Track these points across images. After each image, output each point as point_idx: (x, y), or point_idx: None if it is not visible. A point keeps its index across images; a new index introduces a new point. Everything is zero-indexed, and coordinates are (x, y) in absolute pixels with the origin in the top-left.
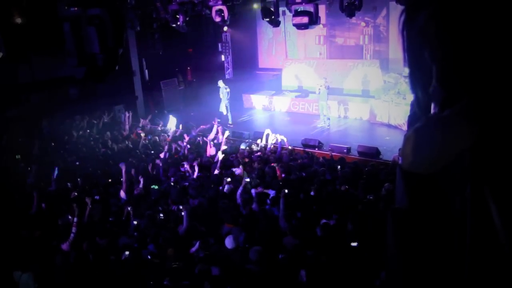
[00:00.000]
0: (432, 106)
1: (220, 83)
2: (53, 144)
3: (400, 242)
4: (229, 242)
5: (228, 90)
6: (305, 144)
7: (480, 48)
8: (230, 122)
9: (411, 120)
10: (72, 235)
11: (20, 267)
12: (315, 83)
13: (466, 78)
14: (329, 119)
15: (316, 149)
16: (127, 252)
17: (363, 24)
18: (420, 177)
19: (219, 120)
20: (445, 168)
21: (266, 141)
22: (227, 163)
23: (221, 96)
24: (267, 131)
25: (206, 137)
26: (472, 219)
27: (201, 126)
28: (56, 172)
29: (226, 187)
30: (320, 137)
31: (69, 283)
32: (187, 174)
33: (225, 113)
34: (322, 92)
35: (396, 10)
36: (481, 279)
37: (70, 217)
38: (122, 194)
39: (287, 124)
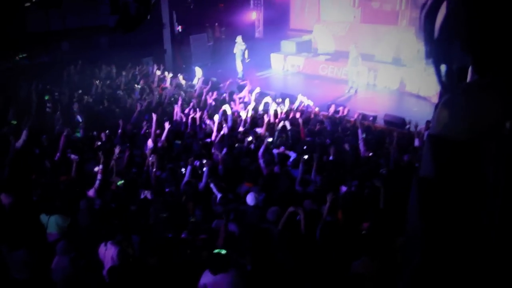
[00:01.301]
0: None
1: (238, 39)
2: (80, 91)
3: (425, 211)
4: (250, 199)
5: (243, 47)
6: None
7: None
8: (240, 76)
9: (441, 92)
10: (97, 182)
11: (47, 210)
12: (347, 47)
13: (500, 54)
14: (355, 88)
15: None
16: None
17: None
18: (450, 145)
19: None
20: (482, 137)
21: (293, 104)
22: (253, 122)
23: (235, 51)
24: (300, 96)
25: (234, 94)
26: (506, 186)
27: (228, 82)
28: (80, 120)
29: (249, 145)
30: (347, 103)
31: (92, 226)
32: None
33: (240, 69)
34: (353, 57)
35: None
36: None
37: (96, 164)
38: (150, 143)
39: (314, 87)
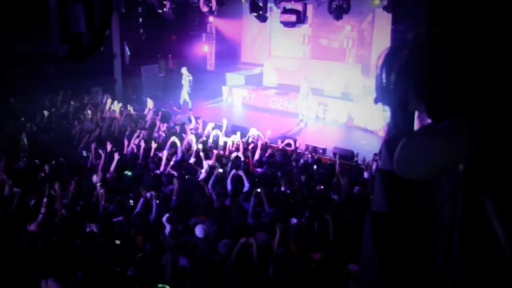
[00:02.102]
0: (416, 119)
1: (184, 70)
2: (23, 120)
3: (378, 244)
4: (199, 231)
5: (190, 78)
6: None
7: (469, 70)
8: (190, 107)
9: (390, 129)
10: (41, 215)
11: None
12: (296, 81)
13: (461, 97)
14: (305, 121)
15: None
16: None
17: (348, 27)
18: (402, 181)
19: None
20: (439, 177)
21: (244, 136)
22: (203, 153)
23: (183, 82)
24: (253, 130)
25: (186, 125)
26: (462, 226)
27: (178, 116)
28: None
29: (200, 177)
30: (297, 136)
31: (34, 262)
32: (161, 162)
33: (187, 99)
34: (303, 92)
35: (381, 17)
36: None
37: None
38: (97, 175)
39: (264, 120)
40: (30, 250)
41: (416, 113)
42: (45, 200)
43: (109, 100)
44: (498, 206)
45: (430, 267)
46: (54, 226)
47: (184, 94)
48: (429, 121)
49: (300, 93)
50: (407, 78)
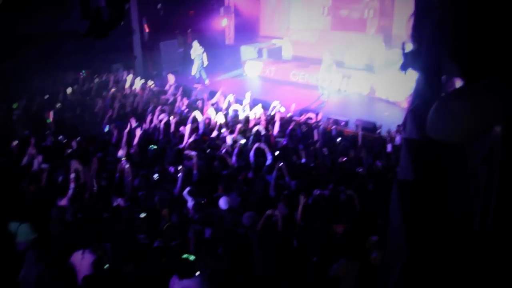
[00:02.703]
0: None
1: (195, 44)
2: (47, 96)
3: (406, 212)
4: (223, 203)
5: (202, 51)
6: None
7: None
8: (197, 80)
9: (417, 95)
10: (70, 190)
11: (18, 218)
12: (317, 54)
13: (499, 56)
14: (326, 95)
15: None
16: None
17: None
18: (428, 149)
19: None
20: (474, 138)
21: (267, 110)
22: (226, 127)
23: (192, 57)
24: (275, 103)
25: (207, 100)
26: (501, 188)
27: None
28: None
29: (222, 150)
30: (319, 109)
31: (64, 235)
32: (184, 136)
33: (203, 75)
34: (326, 65)
35: None
36: (501, 249)
37: (69, 173)
38: (122, 150)
39: (285, 93)
40: (60, 224)
41: (443, 79)
42: (73, 175)
43: (130, 76)
44: None
45: (462, 230)
46: (83, 201)
47: (197, 68)
48: (458, 86)
49: (322, 66)
50: (441, 38)
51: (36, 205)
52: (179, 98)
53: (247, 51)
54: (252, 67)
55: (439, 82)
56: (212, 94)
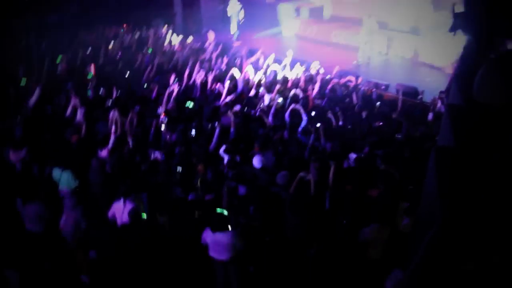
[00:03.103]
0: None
1: (232, 0)
2: (89, 51)
3: (443, 179)
4: (257, 162)
5: (240, 7)
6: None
7: None
8: (234, 38)
9: (463, 61)
10: (110, 143)
11: (60, 165)
12: (360, 14)
13: None
14: (366, 58)
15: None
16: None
17: None
18: (471, 116)
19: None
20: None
21: (306, 70)
22: (264, 87)
23: (229, 14)
24: (315, 63)
25: (245, 58)
26: None
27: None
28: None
29: (259, 109)
30: (359, 71)
31: (103, 185)
32: (221, 94)
33: (235, 30)
34: (368, 29)
35: None
36: None
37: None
38: (160, 108)
39: (325, 54)
40: (100, 174)
41: (495, 41)
42: (113, 128)
43: (170, 32)
44: None
45: (504, 199)
46: (122, 153)
47: (233, 25)
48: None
49: (362, 29)
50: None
51: (78, 155)
52: (214, 55)
53: (285, 9)
54: (291, 25)
55: (489, 44)
56: (251, 52)
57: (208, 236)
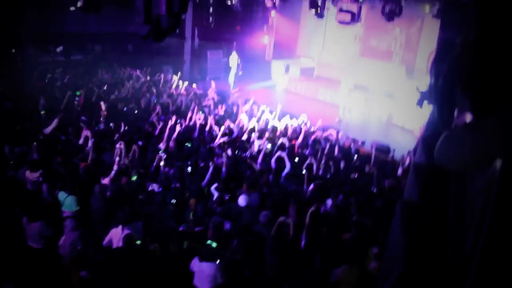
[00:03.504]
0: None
1: (233, 54)
2: (105, 89)
3: (407, 229)
4: (242, 201)
5: (239, 61)
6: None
7: None
8: (232, 88)
9: (429, 127)
10: (113, 172)
11: (66, 189)
12: (344, 76)
13: (503, 96)
14: (345, 116)
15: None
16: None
17: (397, 30)
18: (434, 175)
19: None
20: (475, 170)
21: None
22: (256, 133)
23: (230, 65)
24: (303, 116)
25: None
26: (493, 217)
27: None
28: (103, 110)
29: (250, 153)
30: (339, 127)
31: (103, 210)
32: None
33: (232, 80)
34: (346, 89)
35: (430, 24)
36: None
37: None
38: (161, 144)
39: (312, 108)
40: (101, 199)
41: (456, 112)
42: (117, 159)
43: (176, 78)
44: None
45: (456, 253)
46: (122, 182)
47: (231, 75)
48: (468, 120)
49: (341, 88)
50: (455, 76)
51: (83, 180)
52: (212, 103)
53: (277, 66)
54: (281, 81)
55: (451, 115)
56: (247, 102)
57: (195, 265)
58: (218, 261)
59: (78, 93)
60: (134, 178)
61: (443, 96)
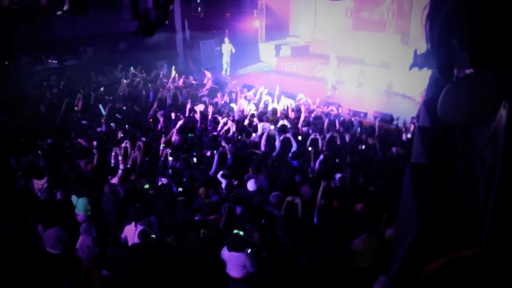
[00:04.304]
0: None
1: (226, 40)
2: (102, 89)
3: (417, 191)
4: (250, 186)
5: (231, 46)
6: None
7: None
8: (224, 73)
9: (430, 89)
10: (120, 171)
11: (77, 193)
12: (340, 52)
13: (503, 42)
14: (333, 88)
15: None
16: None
17: (388, 0)
18: (439, 135)
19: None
20: (480, 119)
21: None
22: (257, 117)
23: (223, 51)
24: (301, 95)
25: (240, 92)
26: (504, 163)
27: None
28: (104, 112)
29: (253, 137)
30: (340, 101)
31: (116, 209)
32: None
33: (226, 66)
34: (332, 65)
35: None
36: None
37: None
38: (164, 139)
39: (310, 87)
40: (112, 199)
41: (456, 71)
42: (121, 158)
43: (173, 72)
44: None
45: (469, 206)
46: (131, 179)
47: (225, 60)
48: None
49: (330, 64)
50: (450, 28)
51: (92, 182)
52: (206, 93)
53: (266, 48)
54: (273, 62)
55: (451, 70)
56: (245, 87)
57: (225, 254)
58: (248, 250)
59: (76, 108)
60: (147, 186)
61: (441, 57)
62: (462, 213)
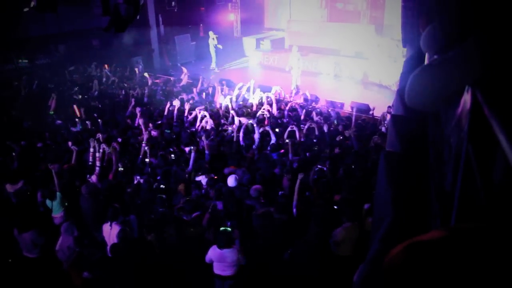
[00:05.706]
0: (427, 57)
1: (211, 34)
2: (76, 88)
3: (392, 179)
4: (231, 182)
5: (215, 39)
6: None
7: None
8: (213, 67)
9: (404, 77)
10: (97, 168)
11: (50, 196)
12: (315, 43)
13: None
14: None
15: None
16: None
17: None
18: (412, 124)
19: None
20: (446, 104)
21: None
22: (233, 111)
23: (209, 42)
24: (275, 87)
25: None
26: (468, 148)
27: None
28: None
29: (229, 131)
30: (317, 93)
31: (94, 209)
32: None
33: (214, 59)
34: (295, 59)
35: None
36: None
37: (95, 153)
38: (141, 136)
39: (287, 79)
40: (90, 198)
41: (426, 57)
42: (98, 155)
43: (146, 74)
44: (505, 126)
45: (439, 193)
46: (109, 178)
47: (212, 53)
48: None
49: (292, 60)
50: (423, 7)
51: (69, 181)
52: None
53: (249, 42)
54: (254, 56)
55: (421, 62)
56: (222, 82)
57: (214, 254)
58: (236, 245)
59: (51, 112)
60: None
61: (414, 29)
62: (433, 199)
